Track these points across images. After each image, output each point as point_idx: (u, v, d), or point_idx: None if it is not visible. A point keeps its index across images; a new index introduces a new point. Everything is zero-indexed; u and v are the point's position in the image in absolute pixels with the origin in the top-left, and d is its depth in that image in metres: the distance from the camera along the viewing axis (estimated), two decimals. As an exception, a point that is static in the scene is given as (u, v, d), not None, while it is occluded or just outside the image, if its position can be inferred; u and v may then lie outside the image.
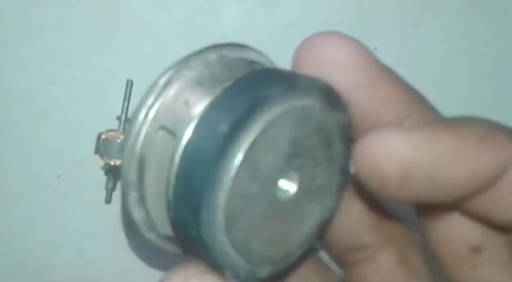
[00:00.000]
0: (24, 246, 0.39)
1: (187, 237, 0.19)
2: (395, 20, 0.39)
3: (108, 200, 0.37)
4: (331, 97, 0.20)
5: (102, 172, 0.37)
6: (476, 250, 0.21)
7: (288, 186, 0.20)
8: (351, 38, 0.21)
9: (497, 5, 0.39)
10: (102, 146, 0.35)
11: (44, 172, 0.38)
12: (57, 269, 0.39)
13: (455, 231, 0.21)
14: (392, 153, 0.18)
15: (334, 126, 0.21)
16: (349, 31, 0.38)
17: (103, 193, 0.38)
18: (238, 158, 0.18)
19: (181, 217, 0.19)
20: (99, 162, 0.36)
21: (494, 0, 0.39)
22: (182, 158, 0.18)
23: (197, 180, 0.18)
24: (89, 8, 0.37)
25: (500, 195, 0.19)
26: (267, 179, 0.19)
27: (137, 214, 0.21)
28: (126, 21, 0.37)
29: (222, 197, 0.18)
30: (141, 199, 0.20)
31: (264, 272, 0.21)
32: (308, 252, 0.23)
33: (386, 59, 0.39)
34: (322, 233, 0.23)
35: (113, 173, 0.37)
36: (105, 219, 0.38)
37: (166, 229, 0.21)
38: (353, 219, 0.24)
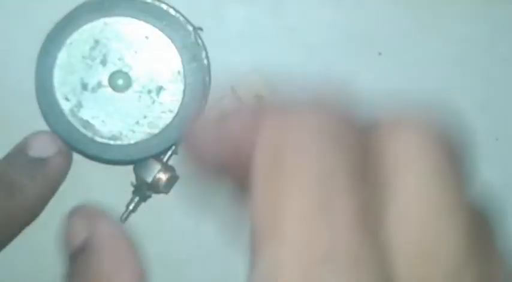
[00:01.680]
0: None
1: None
2: (400, 25, 0.39)
3: (123, 219, 0.37)
4: None
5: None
6: None
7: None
8: None
9: (502, 9, 0.39)
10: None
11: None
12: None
13: None
14: None
15: None
16: (353, 36, 0.38)
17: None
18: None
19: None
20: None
21: (498, 4, 0.39)
22: None
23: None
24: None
25: None
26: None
27: None
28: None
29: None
30: None
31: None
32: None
33: (391, 63, 0.39)
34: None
35: (139, 194, 0.37)
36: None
37: None
38: None
